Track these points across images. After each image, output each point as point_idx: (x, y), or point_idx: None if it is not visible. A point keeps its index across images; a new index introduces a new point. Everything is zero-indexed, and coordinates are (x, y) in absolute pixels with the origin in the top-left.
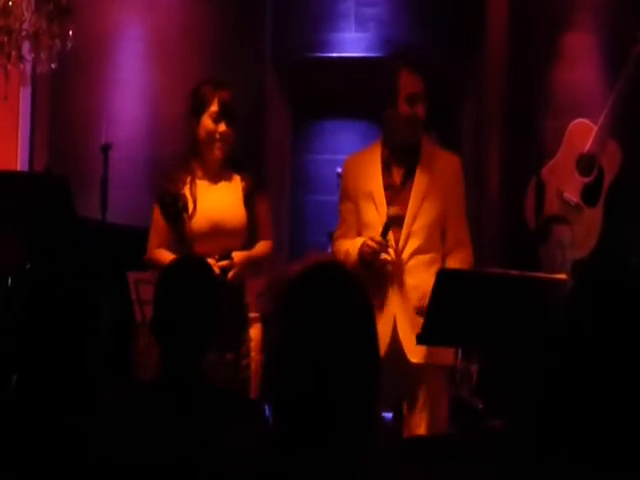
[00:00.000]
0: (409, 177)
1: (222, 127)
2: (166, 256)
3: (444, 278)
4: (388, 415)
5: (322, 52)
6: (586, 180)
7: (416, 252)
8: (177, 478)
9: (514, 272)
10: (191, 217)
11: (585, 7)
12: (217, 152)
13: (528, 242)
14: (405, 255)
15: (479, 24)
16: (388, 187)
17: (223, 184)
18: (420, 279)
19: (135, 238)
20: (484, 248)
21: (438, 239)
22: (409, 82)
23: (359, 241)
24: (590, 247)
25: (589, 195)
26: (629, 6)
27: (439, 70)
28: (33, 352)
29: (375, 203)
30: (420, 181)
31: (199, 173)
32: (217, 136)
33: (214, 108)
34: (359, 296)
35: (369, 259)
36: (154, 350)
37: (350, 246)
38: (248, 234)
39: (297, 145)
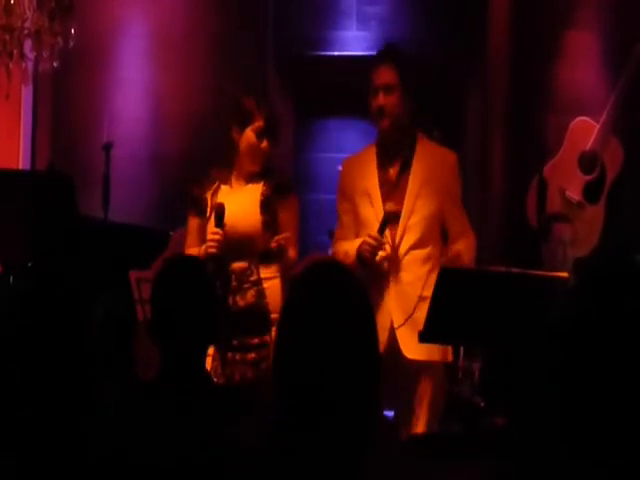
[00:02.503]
0: (404, 173)
1: (265, 144)
2: (193, 251)
3: (446, 276)
4: (389, 414)
5: (324, 50)
6: (588, 178)
7: (412, 247)
8: (177, 477)
9: (516, 270)
10: (208, 220)
11: (588, 5)
12: (255, 166)
13: (530, 240)
14: (402, 251)
15: (482, 23)
16: (383, 184)
17: (246, 190)
18: (416, 275)
19: (137, 236)
20: (486, 246)
21: (436, 234)
22: (374, 76)
23: (358, 241)
24: (592, 245)
25: (591, 193)
26: (632, 4)
27: (442, 68)
28: (33, 350)
29: (371, 200)
30: (415, 177)
31: (228, 180)
32: (259, 152)
33: (259, 123)
34: (358, 295)
35: (367, 256)
36: (156, 348)
37: (349, 247)
38: (268, 240)
39: (299, 143)
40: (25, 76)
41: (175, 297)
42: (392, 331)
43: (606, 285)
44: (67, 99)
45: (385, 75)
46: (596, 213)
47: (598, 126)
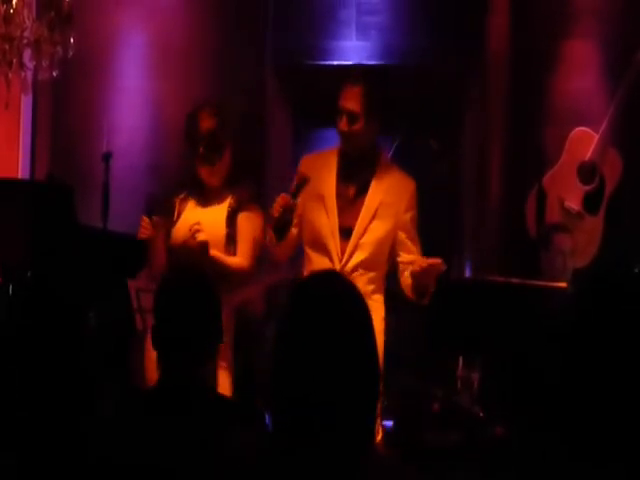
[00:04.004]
0: (362, 191)
1: (210, 167)
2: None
3: (445, 286)
4: (388, 423)
5: (323, 60)
6: (587, 188)
7: (360, 266)
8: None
9: (515, 280)
10: (173, 226)
11: (587, 15)
12: (214, 181)
13: (529, 250)
14: (349, 267)
15: (480, 34)
16: (340, 196)
17: (213, 204)
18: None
19: (136, 246)
20: (485, 255)
21: (383, 258)
22: (342, 97)
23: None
24: (591, 255)
25: (590, 203)
26: (631, 14)
27: (441, 77)
28: (33, 357)
29: (326, 209)
30: (372, 198)
31: (197, 192)
32: (211, 173)
33: (200, 151)
34: (357, 304)
35: (273, 214)
36: (154, 358)
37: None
38: (231, 253)
39: (298, 152)
40: (24, 85)
41: (179, 308)
42: None
43: (605, 295)
44: (67, 108)
45: (351, 102)
46: (595, 223)
47: (597, 136)
